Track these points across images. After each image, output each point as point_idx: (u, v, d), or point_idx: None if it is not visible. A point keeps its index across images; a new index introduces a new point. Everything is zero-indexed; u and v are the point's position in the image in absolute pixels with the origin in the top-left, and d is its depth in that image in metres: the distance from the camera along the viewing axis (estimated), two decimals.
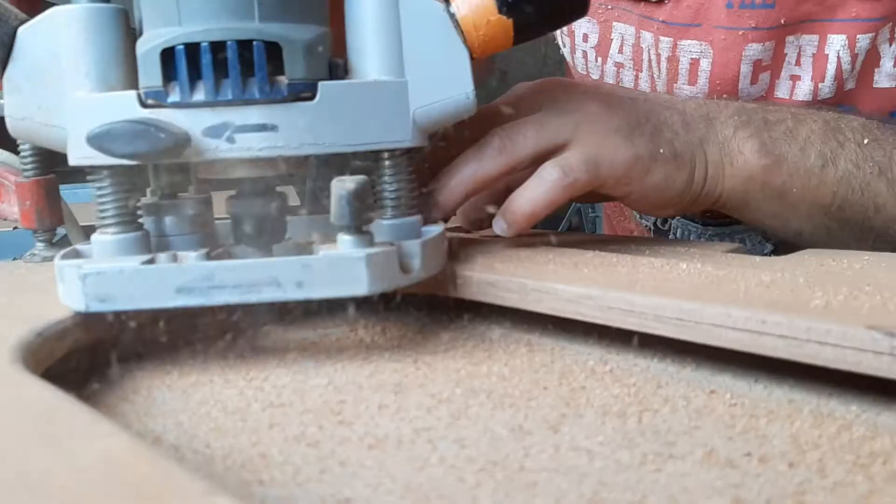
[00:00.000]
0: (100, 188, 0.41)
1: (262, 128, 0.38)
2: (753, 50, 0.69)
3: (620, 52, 0.77)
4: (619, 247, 0.51)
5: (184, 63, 0.38)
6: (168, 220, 0.44)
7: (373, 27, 0.41)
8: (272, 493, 0.27)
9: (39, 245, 0.54)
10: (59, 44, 0.40)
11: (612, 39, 0.77)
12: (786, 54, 0.70)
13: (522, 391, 0.35)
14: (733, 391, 0.35)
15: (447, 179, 0.48)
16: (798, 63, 0.70)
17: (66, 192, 0.57)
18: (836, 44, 0.68)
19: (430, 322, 0.45)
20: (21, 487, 0.21)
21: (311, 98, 0.39)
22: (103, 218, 0.41)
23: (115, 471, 0.22)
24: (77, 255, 0.42)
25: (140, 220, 0.42)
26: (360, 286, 0.37)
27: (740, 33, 0.69)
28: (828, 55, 0.68)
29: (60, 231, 0.57)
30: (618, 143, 0.49)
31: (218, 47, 0.37)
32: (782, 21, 0.68)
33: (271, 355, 0.41)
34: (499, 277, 0.41)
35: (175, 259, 0.40)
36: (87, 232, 0.49)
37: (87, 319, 0.38)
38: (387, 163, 0.43)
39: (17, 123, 0.41)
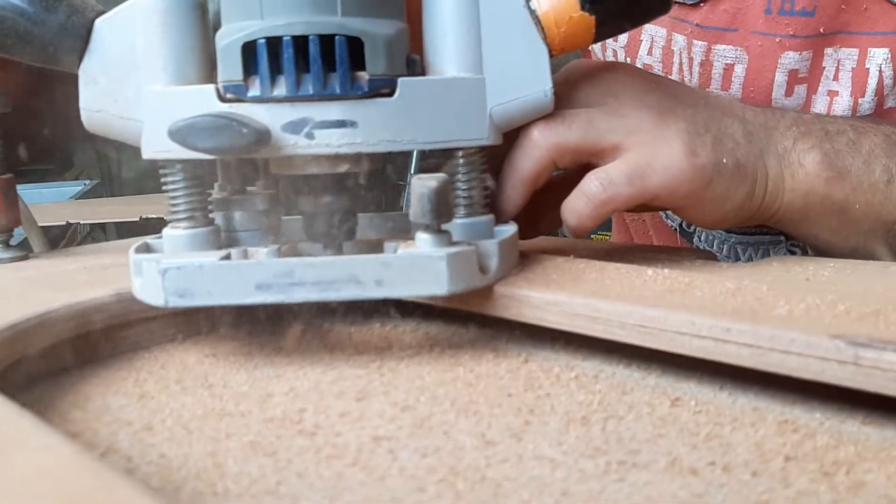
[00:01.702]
0: (173, 183, 0.41)
1: (342, 124, 0.38)
2: (790, 58, 0.67)
3: (650, 53, 0.75)
4: (590, 252, 0.51)
5: (265, 57, 0.37)
6: (238, 216, 0.44)
7: (452, 23, 0.41)
8: None
9: None
10: (135, 36, 0.40)
11: (641, 40, 0.74)
12: (824, 68, 0.67)
13: (487, 398, 0.35)
14: (698, 398, 0.34)
15: (502, 182, 0.46)
16: (836, 78, 0.67)
17: (24, 192, 0.55)
18: (878, 57, 0.65)
19: (396, 327, 0.45)
20: None
21: (391, 94, 0.38)
22: (175, 212, 0.41)
23: (56, 483, 0.21)
24: (148, 249, 0.42)
25: (211, 215, 0.42)
26: (439, 286, 0.37)
27: (777, 40, 0.66)
28: (868, 69, 0.66)
29: (18, 232, 0.55)
30: (677, 152, 0.45)
31: (299, 42, 0.37)
32: (821, 30, 0.65)
33: (232, 361, 0.40)
34: None
35: (246, 255, 0.40)
36: (46, 232, 0.48)
37: (40, 324, 0.37)
38: (461, 160, 0.42)
39: (92, 115, 0.41)
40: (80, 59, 0.40)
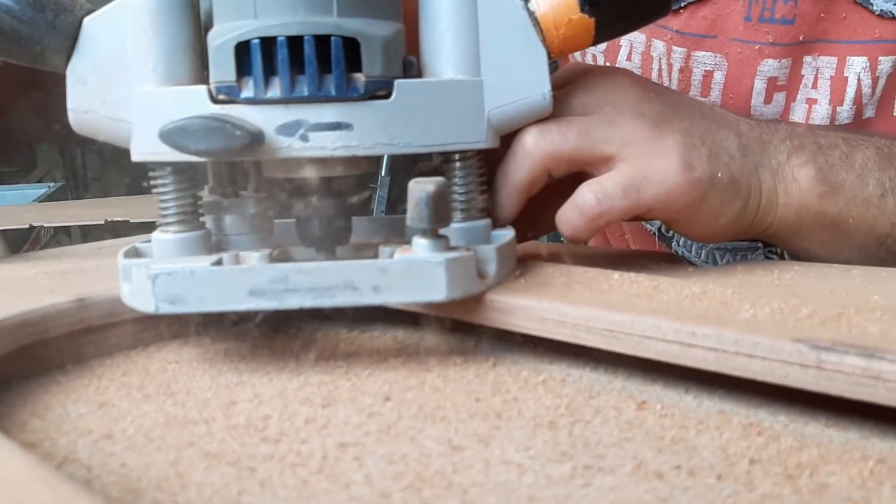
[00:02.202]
0: (162, 185, 0.40)
1: (337, 126, 0.37)
2: (769, 66, 0.66)
3: (629, 59, 0.74)
4: (554, 254, 0.51)
5: (259, 58, 0.36)
6: (229, 219, 0.43)
7: (449, 24, 0.40)
8: None
9: None
10: (125, 35, 0.39)
11: (620, 46, 0.74)
12: (802, 76, 0.67)
13: (455, 403, 0.35)
14: (664, 401, 0.35)
15: (496, 190, 0.45)
16: (815, 86, 0.67)
17: None
18: (857, 66, 0.65)
19: (363, 332, 0.44)
20: None
21: (387, 97, 0.38)
22: (165, 216, 0.40)
23: (11, 497, 0.21)
24: (137, 253, 0.41)
25: (202, 219, 0.41)
26: (437, 292, 0.36)
27: (757, 48, 0.66)
28: (847, 77, 0.65)
29: None
30: (672, 165, 0.44)
31: (294, 42, 0.36)
32: (801, 38, 0.65)
33: (195, 368, 0.39)
34: None
35: (238, 259, 0.39)
36: (9, 236, 0.47)
37: None
38: (458, 164, 0.41)
39: (80, 116, 0.40)
40: (69, 58, 0.39)
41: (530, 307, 0.37)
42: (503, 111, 0.41)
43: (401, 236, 0.47)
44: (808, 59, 0.66)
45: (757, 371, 0.31)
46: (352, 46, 0.37)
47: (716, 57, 0.68)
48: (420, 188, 0.35)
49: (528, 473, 0.28)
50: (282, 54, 0.36)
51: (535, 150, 0.43)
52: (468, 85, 0.40)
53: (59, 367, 0.39)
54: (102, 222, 1.33)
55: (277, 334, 0.44)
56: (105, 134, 0.40)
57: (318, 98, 0.37)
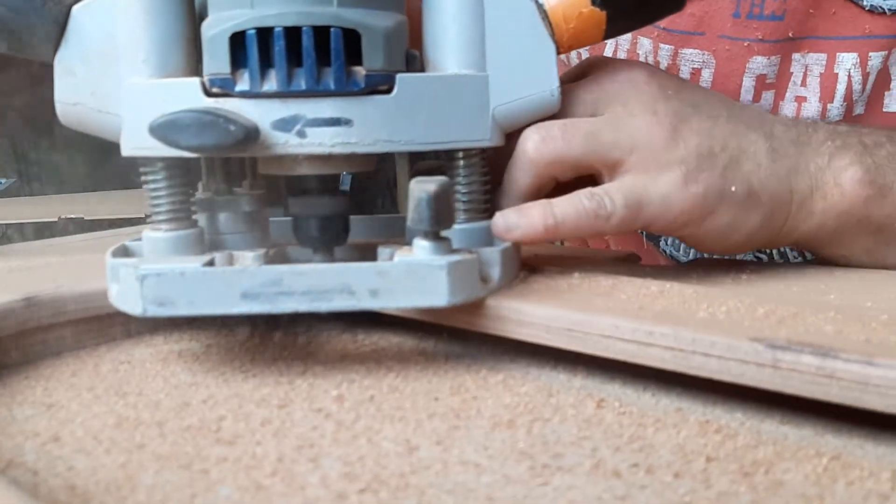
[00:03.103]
0: (153, 182, 0.38)
1: (336, 122, 0.36)
2: (758, 63, 0.64)
3: (614, 55, 0.72)
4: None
5: (255, 49, 0.35)
6: (223, 217, 0.41)
7: (454, 17, 0.39)
8: None
9: None
10: (116, 25, 0.38)
11: (605, 43, 0.72)
12: (791, 73, 0.65)
13: (413, 403, 0.34)
14: (622, 399, 0.35)
15: (501, 195, 0.43)
16: (804, 84, 0.65)
17: None
18: (847, 62, 0.63)
19: (321, 332, 0.44)
20: None
21: (389, 91, 0.36)
22: (156, 213, 0.39)
23: None
24: (126, 252, 0.40)
25: (194, 217, 0.40)
26: (439, 297, 0.35)
27: (745, 44, 0.64)
28: (837, 74, 0.64)
29: None
30: (675, 180, 0.42)
31: (292, 33, 0.35)
32: (790, 34, 0.64)
33: (148, 368, 0.39)
34: None
35: (231, 259, 0.37)
36: None
37: None
38: (461, 163, 0.40)
39: (68, 109, 0.38)
40: (56, 48, 0.38)
41: (490, 307, 0.37)
42: (509, 108, 0.40)
43: (401, 237, 0.45)
44: (796, 56, 0.65)
45: (713, 370, 0.31)
46: (352, 38, 0.35)
47: (703, 54, 0.66)
48: (421, 188, 0.34)
49: (487, 473, 0.28)
50: (279, 46, 0.35)
51: (537, 156, 0.41)
52: (473, 80, 0.39)
53: (5, 368, 0.38)
54: (56, 220, 1.30)
55: (234, 334, 0.43)
56: (94, 127, 0.39)
57: (316, 92, 0.35)
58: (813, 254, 0.52)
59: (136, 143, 0.37)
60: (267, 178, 0.43)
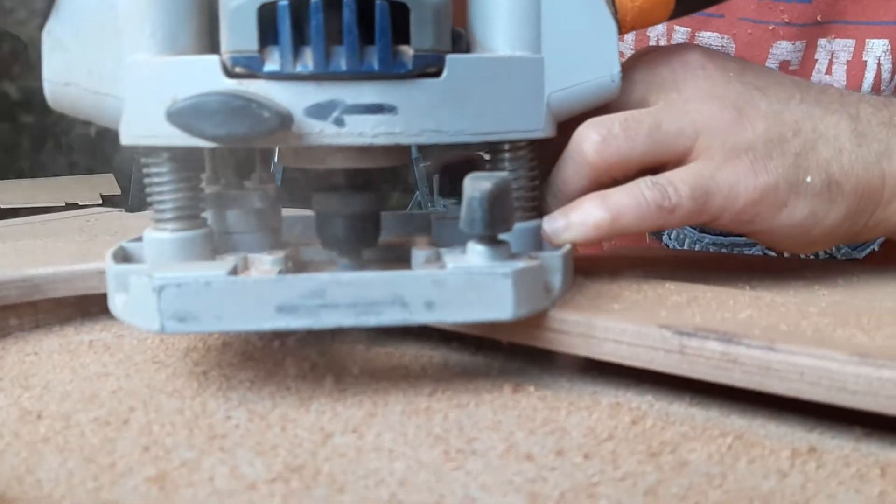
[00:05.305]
0: (158, 175, 0.34)
1: (379, 109, 0.31)
2: (782, 48, 0.59)
3: (622, 39, 0.65)
4: None
5: (287, 24, 0.30)
6: (232, 215, 0.37)
7: None
8: None
9: None
10: None
11: None
12: (816, 60, 0.60)
13: (329, 390, 0.34)
14: (538, 383, 0.35)
15: (549, 196, 0.39)
16: (829, 72, 0.60)
17: None
18: (877, 49, 0.59)
19: None
20: None
21: (437, 74, 0.32)
22: (161, 211, 0.34)
23: None
24: (125, 256, 0.35)
25: (203, 215, 0.36)
26: (502, 309, 0.31)
27: (770, 28, 0.59)
28: (866, 62, 0.59)
29: None
30: (742, 169, 0.38)
31: (331, 6, 0.30)
32: (818, 18, 0.59)
33: (56, 360, 0.37)
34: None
35: (246, 263, 0.33)
36: None
37: None
38: (507, 155, 0.36)
39: (58, 90, 0.34)
40: (45, 18, 0.33)
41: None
42: (564, 95, 0.36)
43: (425, 234, 0.42)
44: (822, 41, 0.60)
45: (625, 356, 0.32)
46: (398, 13, 0.31)
47: (723, 38, 0.61)
48: (475, 186, 0.30)
49: (400, 459, 0.28)
50: (316, 20, 0.30)
51: (598, 159, 0.37)
52: (527, 63, 0.35)
53: None
54: None
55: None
56: (88, 111, 0.34)
57: (357, 74, 0.31)
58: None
59: (141, 130, 0.33)
60: (284, 172, 0.38)
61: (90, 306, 0.43)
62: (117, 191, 1.84)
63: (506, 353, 0.38)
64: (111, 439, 0.29)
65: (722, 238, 0.66)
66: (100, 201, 1.54)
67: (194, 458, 0.28)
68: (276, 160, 0.44)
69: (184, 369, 0.36)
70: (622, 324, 0.32)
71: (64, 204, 1.46)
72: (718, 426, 0.31)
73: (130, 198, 2.42)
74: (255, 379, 0.35)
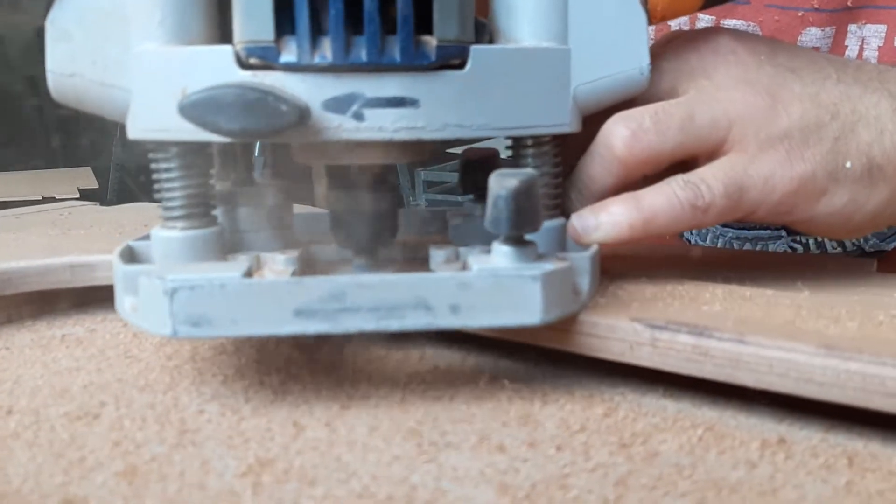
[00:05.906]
0: (167, 171, 0.33)
1: (400, 102, 0.30)
2: (811, 35, 0.57)
3: None
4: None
5: (305, 12, 0.29)
6: (242, 212, 0.36)
7: None
8: None
9: None
10: None
11: None
12: (846, 47, 0.58)
13: (304, 383, 0.34)
14: (513, 376, 0.35)
15: (573, 193, 0.38)
16: (860, 58, 0.57)
17: None
18: None
19: None
20: None
21: (461, 66, 0.31)
22: (170, 209, 0.33)
23: None
24: (133, 255, 0.34)
25: (214, 213, 0.35)
26: (531, 313, 0.30)
27: (799, 14, 0.57)
28: None
29: None
30: (778, 159, 0.36)
31: None
32: (848, 3, 0.56)
33: (28, 354, 0.37)
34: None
35: (259, 263, 0.32)
36: None
37: None
38: (530, 150, 0.35)
39: (61, 81, 0.32)
40: (49, 6, 0.32)
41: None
42: (591, 88, 0.34)
43: (439, 233, 0.41)
44: (853, 27, 0.58)
45: (597, 349, 0.32)
46: (421, 2, 0.30)
47: (748, 25, 0.59)
48: (500, 183, 0.29)
49: (373, 452, 0.28)
50: (335, 9, 0.29)
51: (628, 155, 0.36)
52: (553, 54, 0.34)
53: None
54: None
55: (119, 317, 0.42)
56: (94, 103, 0.33)
57: (378, 66, 0.30)
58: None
59: (150, 123, 0.32)
60: (297, 168, 0.37)
61: (62, 301, 0.43)
62: (95, 184, 1.82)
63: (481, 346, 0.38)
64: (81, 434, 0.29)
65: (746, 232, 0.64)
66: (77, 195, 1.53)
67: (165, 453, 0.28)
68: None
69: (156, 364, 0.36)
70: (594, 318, 0.32)
71: (41, 197, 1.45)
72: (690, 417, 0.31)
73: (109, 192, 2.40)
74: (229, 373, 0.35)
